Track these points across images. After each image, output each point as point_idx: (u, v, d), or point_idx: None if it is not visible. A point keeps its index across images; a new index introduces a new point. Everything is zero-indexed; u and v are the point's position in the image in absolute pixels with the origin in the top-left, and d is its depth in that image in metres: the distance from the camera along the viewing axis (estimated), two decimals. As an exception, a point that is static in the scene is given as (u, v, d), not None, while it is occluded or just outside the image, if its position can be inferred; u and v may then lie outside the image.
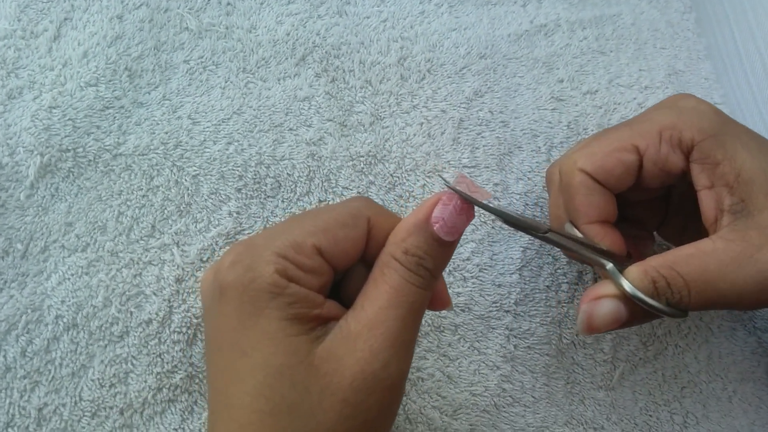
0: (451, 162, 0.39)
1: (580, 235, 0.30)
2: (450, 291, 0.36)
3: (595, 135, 0.32)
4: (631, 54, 0.45)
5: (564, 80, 0.43)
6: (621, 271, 0.28)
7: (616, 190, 0.30)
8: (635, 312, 0.28)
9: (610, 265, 0.29)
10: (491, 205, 0.26)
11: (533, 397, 0.35)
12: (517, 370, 0.35)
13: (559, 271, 0.37)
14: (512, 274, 0.37)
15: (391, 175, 0.38)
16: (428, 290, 0.25)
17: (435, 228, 0.25)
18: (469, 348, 0.35)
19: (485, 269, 0.37)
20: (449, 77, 0.41)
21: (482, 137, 0.40)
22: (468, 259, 0.37)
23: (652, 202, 0.34)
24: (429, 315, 0.35)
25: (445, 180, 0.26)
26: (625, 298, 0.27)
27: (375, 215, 0.26)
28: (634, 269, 0.28)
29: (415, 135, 0.39)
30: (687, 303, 0.27)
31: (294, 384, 0.24)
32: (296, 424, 0.23)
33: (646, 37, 0.46)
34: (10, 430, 0.30)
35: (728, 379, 0.37)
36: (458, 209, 0.25)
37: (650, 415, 0.35)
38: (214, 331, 0.26)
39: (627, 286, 0.27)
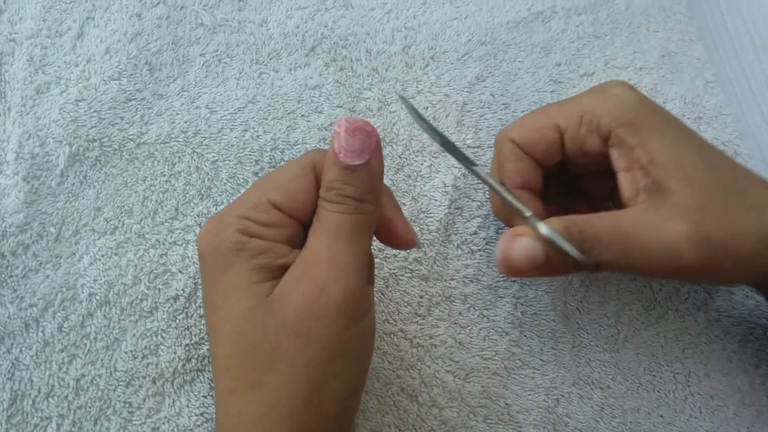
0: (455, 143, 0.41)
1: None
2: (459, 263, 0.38)
3: (533, 111, 0.35)
4: (625, 37, 0.47)
5: (561, 64, 0.45)
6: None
7: (543, 163, 0.33)
8: (551, 257, 0.28)
9: (529, 213, 0.30)
10: (428, 125, 0.28)
11: (541, 359, 0.37)
12: (525, 335, 0.37)
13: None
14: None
15: (399, 156, 0.40)
16: (357, 214, 0.26)
17: (340, 156, 0.26)
18: (478, 316, 0.37)
19: (491, 242, 0.39)
20: (452, 63, 0.43)
21: (485, 119, 0.42)
22: (475, 233, 0.39)
23: (600, 175, 0.35)
24: (439, 287, 0.37)
25: (398, 94, 0.28)
26: (542, 239, 0.28)
27: (319, 162, 0.28)
28: (553, 219, 0.29)
29: (420, 118, 0.41)
30: (598, 254, 0.28)
31: (254, 325, 0.25)
32: (261, 360, 0.25)
33: (639, 21, 0.47)
34: (50, 399, 0.32)
35: (727, 340, 0.38)
36: (351, 132, 0.26)
37: (654, 375, 0.37)
38: (202, 297, 0.28)
39: (543, 228, 0.28)
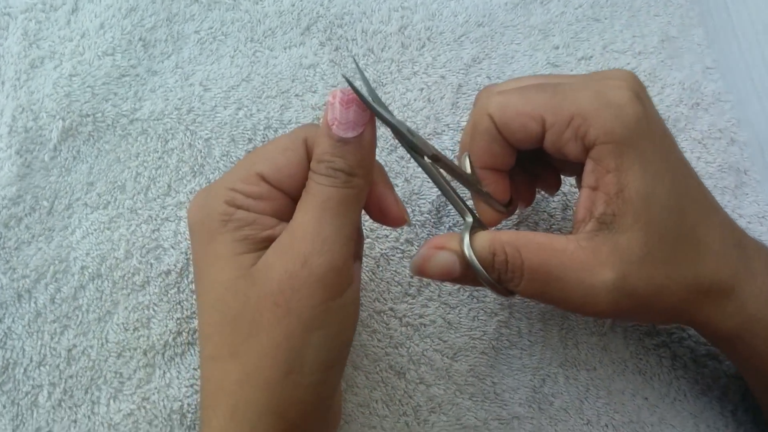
0: (450, 125, 0.41)
1: (468, 168, 0.31)
2: (450, 244, 0.38)
3: (526, 83, 0.31)
4: (625, 21, 0.46)
5: (559, 47, 0.44)
6: (474, 230, 0.29)
7: (518, 147, 0.30)
8: (467, 273, 0.29)
9: (468, 220, 0.30)
10: (377, 107, 0.26)
11: (529, 341, 0.37)
12: (514, 317, 0.37)
13: (554, 226, 0.39)
14: (504, 227, 0.39)
15: (392, 137, 0.40)
16: (345, 188, 0.26)
17: (333, 128, 0.26)
18: (468, 297, 0.37)
19: (483, 224, 0.39)
20: (448, 45, 0.43)
21: (473, 102, 0.42)
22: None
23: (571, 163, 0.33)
24: (430, 267, 0.37)
25: (344, 76, 0.26)
26: (463, 257, 0.28)
27: (311, 136, 0.27)
28: (484, 236, 0.29)
29: (415, 100, 0.41)
30: (516, 285, 0.28)
31: (237, 294, 0.26)
32: (242, 329, 0.26)
33: (639, 5, 0.47)
34: (42, 367, 0.33)
35: (716, 325, 0.39)
36: (345, 103, 0.26)
37: (640, 359, 0.37)
38: (192, 267, 0.28)
39: (467, 249, 0.28)
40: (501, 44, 0.44)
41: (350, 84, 0.26)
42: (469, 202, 0.31)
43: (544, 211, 0.39)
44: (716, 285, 0.29)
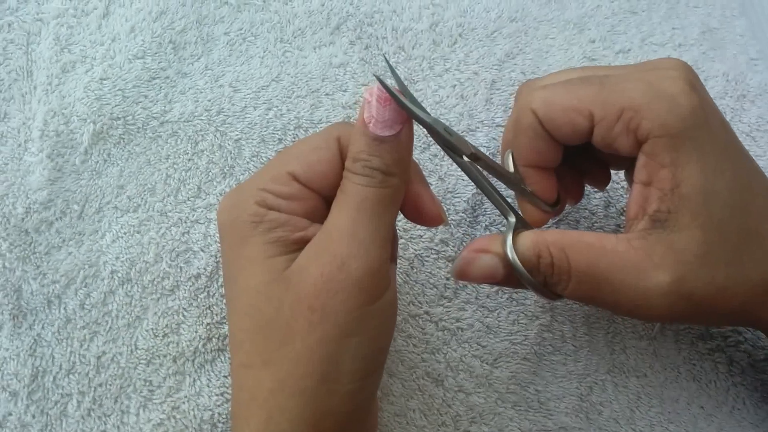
0: (484, 122, 0.40)
1: (512, 167, 0.30)
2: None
3: (570, 77, 0.29)
4: (663, 13, 0.45)
5: (596, 40, 0.43)
6: (517, 230, 0.28)
7: (564, 143, 0.29)
8: (510, 276, 0.28)
9: (511, 220, 0.28)
10: (413, 107, 0.25)
11: (574, 345, 0.35)
12: (556, 320, 0.35)
13: (596, 224, 0.38)
14: (548, 226, 0.37)
15: (426, 135, 0.39)
16: (382, 187, 0.25)
17: (370, 127, 0.25)
18: (507, 299, 0.35)
19: (522, 223, 0.37)
20: (480, 41, 0.42)
21: (514, 98, 0.40)
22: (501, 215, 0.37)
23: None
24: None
25: (376, 76, 0.25)
26: (506, 260, 0.27)
27: (344, 134, 0.26)
28: (528, 236, 0.27)
29: (448, 97, 0.40)
30: (563, 289, 0.27)
31: (270, 299, 0.25)
32: (275, 336, 0.24)
33: (678, -3, 0.45)
34: (71, 376, 0.32)
35: (774, 328, 0.36)
36: (382, 101, 0.25)
37: (694, 364, 0.35)
38: (222, 270, 0.27)
39: (510, 252, 0.27)
40: (535, 39, 0.42)
41: (382, 83, 0.25)
42: (513, 202, 0.30)
43: (585, 209, 0.38)
44: None
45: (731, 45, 0.44)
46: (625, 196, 0.38)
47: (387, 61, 0.27)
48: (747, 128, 0.41)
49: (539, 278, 0.27)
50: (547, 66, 0.42)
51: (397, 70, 0.40)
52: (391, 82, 0.26)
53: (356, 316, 0.24)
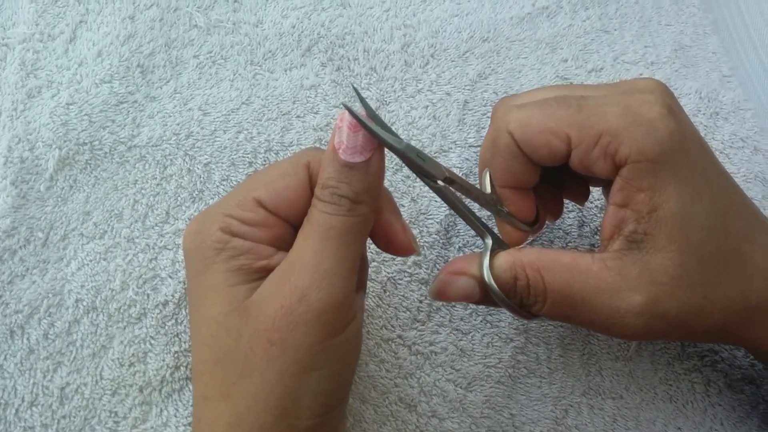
0: (457, 142, 0.39)
1: (488, 187, 0.29)
2: (460, 266, 0.36)
3: (546, 95, 0.29)
4: (635, 31, 0.45)
5: (568, 60, 0.43)
6: (494, 251, 0.28)
7: (542, 164, 0.29)
8: (487, 296, 0.28)
9: (488, 242, 0.28)
10: (383, 134, 0.24)
11: (549, 368, 0.34)
12: (531, 342, 0.35)
13: (570, 244, 0.37)
14: (530, 247, 0.37)
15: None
16: (350, 216, 0.24)
17: (339, 153, 0.24)
18: (481, 321, 0.35)
19: (495, 244, 0.37)
20: (453, 61, 0.42)
21: (488, 117, 0.40)
22: (477, 236, 0.37)
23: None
24: (440, 291, 0.35)
25: (344, 104, 0.24)
26: (483, 282, 0.27)
27: (314, 160, 0.26)
28: (504, 258, 0.27)
29: (420, 118, 0.40)
30: (539, 309, 0.27)
31: (229, 330, 0.24)
32: (234, 368, 0.24)
33: (650, 15, 0.46)
34: (34, 408, 0.31)
35: (750, 346, 0.36)
36: (353, 127, 0.24)
37: (670, 385, 0.35)
38: (186, 296, 0.27)
39: (486, 274, 0.27)
40: (507, 59, 0.42)
41: (351, 111, 0.24)
42: (489, 221, 0.30)
43: (560, 228, 0.37)
44: (766, 303, 0.27)
45: (704, 62, 0.45)
46: (599, 215, 0.38)
47: (356, 90, 0.26)
48: (720, 145, 0.41)
49: (515, 300, 0.27)
50: (520, 86, 0.42)
51: (368, 91, 0.40)
52: (358, 106, 0.26)
53: (317, 349, 0.24)
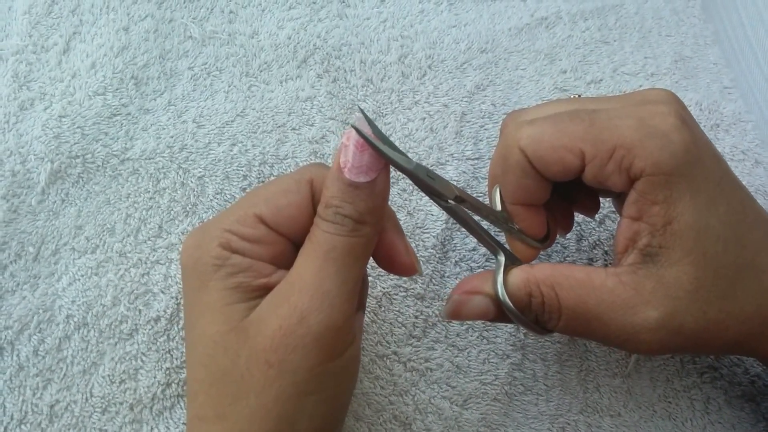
0: (454, 155, 0.39)
1: (499, 205, 0.29)
2: (457, 281, 0.36)
3: (557, 110, 0.28)
4: (635, 42, 0.44)
5: (567, 71, 0.43)
6: (507, 268, 0.27)
7: (554, 180, 0.28)
8: (502, 314, 0.28)
9: (501, 259, 0.28)
10: (392, 154, 0.24)
11: (546, 385, 0.34)
12: (528, 359, 0.34)
13: (569, 258, 0.37)
14: (544, 263, 0.36)
15: (394, 169, 0.38)
16: (352, 237, 0.24)
17: (344, 172, 0.24)
18: (477, 337, 0.35)
19: (492, 258, 0.36)
20: (450, 72, 0.41)
21: (485, 129, 0.40)
22: (474, 249, 0.37)
23: None
24: (436, 307, 0.35)
25: (353, 125, 0.24)
26: (497, 300, 0.27)
27: (317, 177, 0.26)
28: (518, 275, 0.27)
29: (417, 130, 0.39)
30: (554, 326, 0.27)
31: (226, 351, 0.24)
32: (230, 389, 0.23)
33: (650, 26, 0.45)
34: (23, 426, 0.31)
35: (750, 362, 0.35)
36: (360, 146, 0.24)
37: (669, 402, 0.34)
38: (183, 313, 0.26)
39: (500, 291, 0.27)
40: (506, 70, 0.42)
41: (359, 132, 0.23)
42: (500, 237, 0.29)
43: (558, 243, 0.37)
44: None
45: (704, 73, 0.44)
46: (597, 229, 0.37)
47: (363, 113, 0.25)
48: (720, 158, 0.40)
49: (530, 316, 0.27)
50: (518, 97, 0.41)
51: (365, 103, 0.39)
52: (367, 126, 0.25)
53: (315, 373, 0.23)
